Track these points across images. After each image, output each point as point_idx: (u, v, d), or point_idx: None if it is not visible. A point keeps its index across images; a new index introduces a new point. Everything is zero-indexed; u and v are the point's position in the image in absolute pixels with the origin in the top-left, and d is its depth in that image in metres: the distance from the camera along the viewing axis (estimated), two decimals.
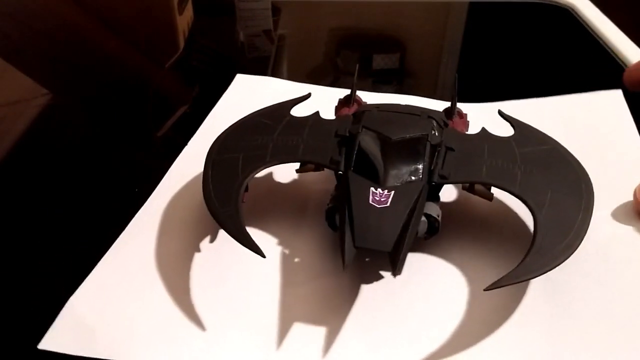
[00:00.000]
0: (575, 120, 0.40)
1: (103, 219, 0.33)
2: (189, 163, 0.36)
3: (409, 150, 0.28)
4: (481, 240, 0.30)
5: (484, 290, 0.23)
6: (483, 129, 0.32)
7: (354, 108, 0.34)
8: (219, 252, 0.30)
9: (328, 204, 0.29)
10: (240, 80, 0.46)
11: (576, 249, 0.25)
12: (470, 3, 0.68)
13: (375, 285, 0.28)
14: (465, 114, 0.35)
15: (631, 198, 0.32)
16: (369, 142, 0.28)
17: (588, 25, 0.59)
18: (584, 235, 0.26)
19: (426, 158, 0.28)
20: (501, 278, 0.23)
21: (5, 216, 0.33)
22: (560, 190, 0.28)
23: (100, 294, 0.27)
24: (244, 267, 0.29)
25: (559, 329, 0.25)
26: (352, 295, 0.27)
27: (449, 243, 0.30)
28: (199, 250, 0.30)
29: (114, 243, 0.30)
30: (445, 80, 0.54)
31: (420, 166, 0.28)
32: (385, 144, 0.28)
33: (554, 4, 0.65)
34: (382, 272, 0.28)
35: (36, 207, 0.34)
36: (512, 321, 0.26)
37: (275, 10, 0.65)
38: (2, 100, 0.47)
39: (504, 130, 0.32)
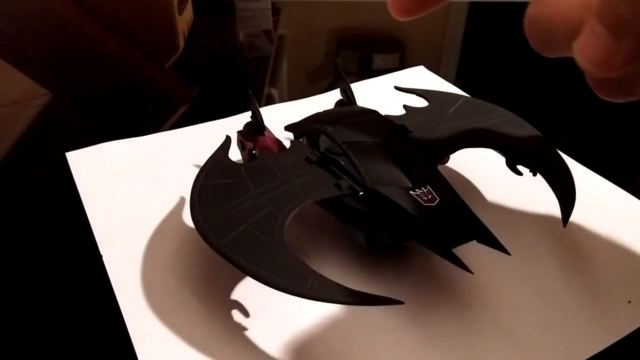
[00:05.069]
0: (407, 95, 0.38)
1: None
2: (127, 270, 0.29)
3: (400, 145, 0.28)
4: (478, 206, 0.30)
5: (564, 227, 0.27)
6: (406, 106, 0.33)
7: (270, 135, 0.32)
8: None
9: (362, 230, 0.27)
10: (75, 159, 0.37)
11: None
12: (470, 3, 0.68)
13: (424, 278, 0.27)
14: None
15: None
16: (365, 155, 0.27)
17: None
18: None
19: (414, 146, 0.28)
20: (566, 212, 0.27)
21: (5, 216, 0.33)
22: (510, 127, 0.31)
23: None
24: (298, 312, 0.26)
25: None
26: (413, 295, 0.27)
27: None
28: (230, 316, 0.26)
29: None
30: (445, 80, 0.54)
31: (417, 154, 0.27)
32: (377, 149, 0.27)
33: None
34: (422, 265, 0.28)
35: (36, 207, 0.34)
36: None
37: (275, 10, 0.65)
38: (2, 100, 0.47)
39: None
